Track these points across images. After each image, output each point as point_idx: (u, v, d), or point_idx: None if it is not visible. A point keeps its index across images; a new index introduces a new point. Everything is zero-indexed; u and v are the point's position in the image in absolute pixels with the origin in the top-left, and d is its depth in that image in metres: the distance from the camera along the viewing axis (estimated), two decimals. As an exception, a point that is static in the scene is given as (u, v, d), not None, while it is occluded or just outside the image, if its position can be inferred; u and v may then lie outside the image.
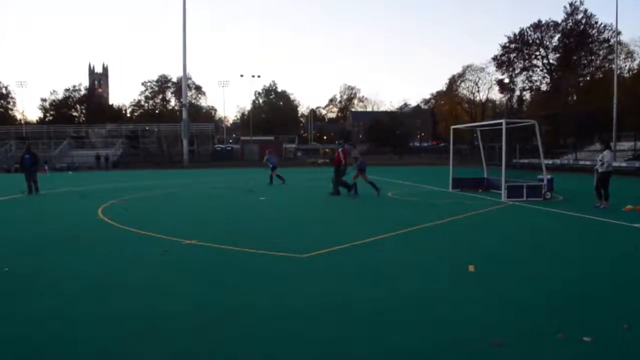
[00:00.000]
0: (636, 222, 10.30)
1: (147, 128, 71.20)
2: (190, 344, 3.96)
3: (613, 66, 49.42)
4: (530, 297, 5.16)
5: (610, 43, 62.55)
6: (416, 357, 3.71)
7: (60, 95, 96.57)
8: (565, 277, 6.00)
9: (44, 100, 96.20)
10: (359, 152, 18.33)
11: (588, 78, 68.81)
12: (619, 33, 52.76)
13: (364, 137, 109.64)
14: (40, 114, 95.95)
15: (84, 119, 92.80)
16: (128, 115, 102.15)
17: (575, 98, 68.39)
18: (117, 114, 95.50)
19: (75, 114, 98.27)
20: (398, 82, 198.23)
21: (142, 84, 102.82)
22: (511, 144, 38.67)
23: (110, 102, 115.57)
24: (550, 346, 3.84)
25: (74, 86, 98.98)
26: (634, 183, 23.80)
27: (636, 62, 69.01)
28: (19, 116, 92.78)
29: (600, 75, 65.73)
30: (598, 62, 67.81)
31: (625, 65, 68.69)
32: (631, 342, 3.94)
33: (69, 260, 7.18)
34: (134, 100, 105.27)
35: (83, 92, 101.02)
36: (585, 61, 68.40)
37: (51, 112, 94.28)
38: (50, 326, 4.41)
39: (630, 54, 68.42)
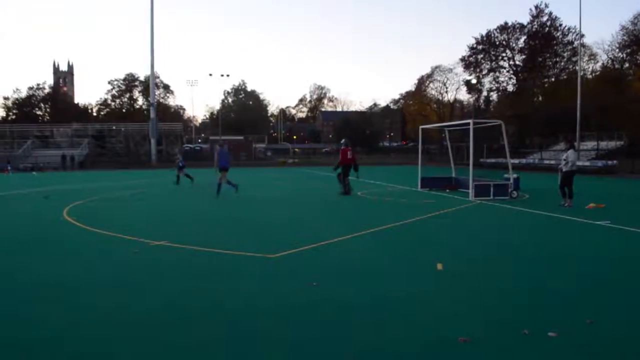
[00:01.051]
0: (599, 220, 10.57)
1: (114, 127, 69.89)
2: (161, 345, 3.90)
3: (577, 68, 50.64)
4: (498, 294, 5.25)
5: (574, 45, 64.12)
6: (386, 355, 3.73)
7: (23, 93, 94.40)
8: (532, 275, 6.11)
9: (6, 98, 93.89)
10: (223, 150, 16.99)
11: (553, 79, 70.50)
12: (582, 36, 54.23)
13: (334, 136, 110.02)
14: (2, 113, 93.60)
15: (48, 118, 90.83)
16: (94, 114, 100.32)
17: (540, 99, 69.94)
18: (83, 113, 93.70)
19: (39, 112, 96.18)
20: (368, 83, 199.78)
21: (109, 82, 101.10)
22: (478, 143, 39.25)
23: (76, 101, 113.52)
24: (516, 341, 3.91)
25: (38, 84, 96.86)
26: (597, 182, 24.42)
27: (599, 64, 70.98)
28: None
29: (565, 77, 67.38)
30: (562, 63, 69.51)
31: (589, 67, 70.63)
32: (594, 336, 4.04)
33: (33, 263, 6.99)
34: (101, 99, 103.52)
35: (47, 90, 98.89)
36: (550, 63, 70.02)
37: (14, 111, 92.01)
38: (9, 328, 4.29)
39: (593, 57, 70.35)
